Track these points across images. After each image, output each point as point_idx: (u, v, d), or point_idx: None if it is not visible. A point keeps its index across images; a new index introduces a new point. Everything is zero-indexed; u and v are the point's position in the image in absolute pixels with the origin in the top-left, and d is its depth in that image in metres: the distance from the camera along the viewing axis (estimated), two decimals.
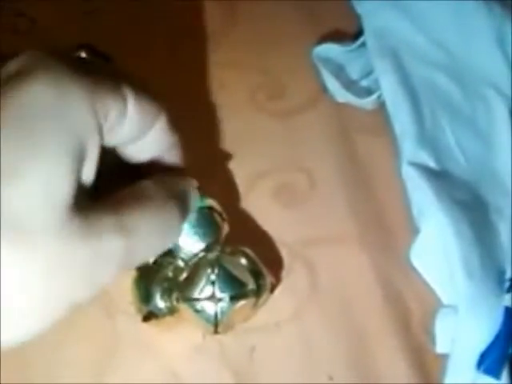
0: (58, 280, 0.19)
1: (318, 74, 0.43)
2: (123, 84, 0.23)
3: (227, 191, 0.39)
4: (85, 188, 0.20)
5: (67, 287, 0.20)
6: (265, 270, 0.32)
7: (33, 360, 0.33)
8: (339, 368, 0.33)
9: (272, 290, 0.32)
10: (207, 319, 0.30)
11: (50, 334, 0.33)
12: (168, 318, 0.32)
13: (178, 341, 0.33)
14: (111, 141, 0.23)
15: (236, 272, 0.31)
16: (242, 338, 0.33)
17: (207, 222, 0.31)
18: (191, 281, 0.30)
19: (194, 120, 0.39)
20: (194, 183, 0.28)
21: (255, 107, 0.43)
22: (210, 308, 0.30)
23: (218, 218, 0.32)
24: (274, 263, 0.36)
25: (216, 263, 0.30)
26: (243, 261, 0.31)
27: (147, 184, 0.24)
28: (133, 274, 0.33)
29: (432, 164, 0.37)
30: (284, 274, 0.36)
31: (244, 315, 0.31)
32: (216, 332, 0.30)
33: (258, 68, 0.45)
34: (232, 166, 0.40)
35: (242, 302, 0.30)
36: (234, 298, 0.30)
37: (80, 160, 0.20)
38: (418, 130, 0.38)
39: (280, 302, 0.34)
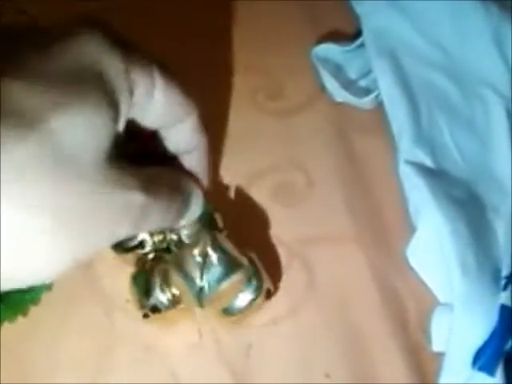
0: (87, 219, 0.20)
1: (316, 74, 0.43)
2: (155, 67, 0.23)
3: (226, 190, 0.39)
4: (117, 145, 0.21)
5: (91, 229, 0.20)
6: (265, 275, 0.32)
7: (32, 359, 0.33)
8: (336, 366, 0.33)
9: (269, 296, 0.32)
10: (193, 289, 0.30)
11: (48, 332, 0.34)
12: (170, 313, 0.32)
13: (176, 338, 0.34)
14: (139, 118, 0.24)
15: (230, 249, 0.31)
16: (239, 335, 0.34)
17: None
18: (187, 251, 0.31)
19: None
20: (201, 191, 0.28)
21: (255, 107, 0.43)
22: (199, 279, 0.30)
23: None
24: (272, 261, 0.36)
25: (212, 239, 0.31)
26: (245, 262, 0.32)
27: (163, 171, 0.25)
28: (130, 271, 0.33)
29: (429, 163, 0.37)
30: (282, 272, 0.36)
31: (232, 295, 0.31)
32: (201, 305, 0.31)
33: (257, 68, 0.45)
34: (231, 164, 0.40)
35: (233, 278, 0.30)
36: (226, 272, 0.30)
37: (116, 112, 0.21)
38: (415, 129, 0.38)
39: (277, 299, 0.35)
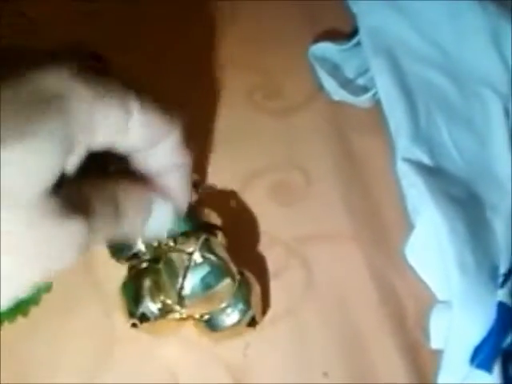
0: (35, 245, 0.20)
1: (314, 73, 0.43)
2: (131, 97, 0.23)
3: (223, 189, 0.39)
4: (65, 176, 0.21)
5: (41, 254, 0.20)
6: (255, 302, 0.32)
7: (32, 359, 0.33)
8: (334, 365, 0.33)
9: (252, 324, 0.32)
10: (175, 286, 0.30)
11: (48, 332, 0.34)
12: (159, 323, 0.32)
13: (173, 338, 0.34)
14: (114, 146, 0.23)
15: (222, 255, 0.31)
16: None
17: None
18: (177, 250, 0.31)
19: (191, 118, 0.39)
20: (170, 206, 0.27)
21: (252, 106, 0.43)
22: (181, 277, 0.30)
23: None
24: (270, 261, 0.36)
25: (204, 240, 0.31)
26: (235, 273, 0.32)
27: (120, 188, 0.24)
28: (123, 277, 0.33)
29: (427, 161, 0.37)
30: (279, 271, 0.36)
31: (216, 303, 0.31)
32: (181, 305, 0.31)
33: (255, 67, 0.45)
34: (228, 164, 0.40)
35: (219, 283, 0.30)
36: (212, 276, 0.30)
37: (69, 148, 0.21)
38: (413, 128, 0.38)
39: (275, 298, 0.35)
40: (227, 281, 0.31)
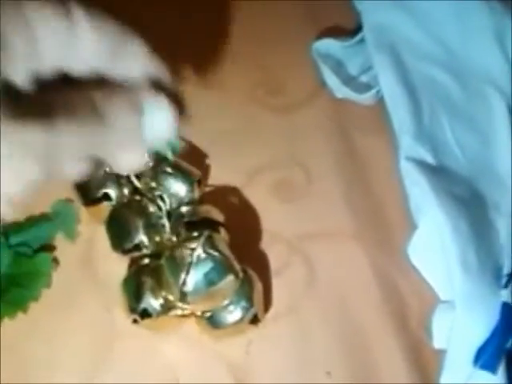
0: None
1: (317, 70, 0.43)
2: (71, 5, 0.21)
3: (226, 186, 0.39)
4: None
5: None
6: (257, 300, 0.32)
7: (32, 357, 0.33)
8: (337, 364, 0.33)
9: (254, 322, 0.32)
10: (177, 282, 0.30)
11: (48, 329, 0.34)
12: (160, 319, 0.32)
13: (174, 335, 0.33)
14: (70, 64, 0.21)
15: (225, 252, 0.31)
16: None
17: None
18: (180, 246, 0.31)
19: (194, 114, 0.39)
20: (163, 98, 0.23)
21: (255, 102, 0.43)
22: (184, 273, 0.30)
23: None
24: (271, 258, 0.36)
25: (207, 237, 0.31)
26: (238, 270, 0.31)
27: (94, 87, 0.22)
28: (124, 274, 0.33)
29: (430, 159, 0.37)
30: (281, 268, 0.36)
31: (218, 301, 0.31)
32: (184, 301, 0.30)
33: (258, 64, 0.45)
34: (231, 160, 0.40)
35: (222, 280, 0.30)
36: (215, 272, 0.30)
37: (8, 59, 0.19)
38: (416, 126, 0.38)
39: (277, 296, 0.35)
40: (230, 277, 0.30)
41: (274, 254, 0.36)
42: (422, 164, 0.36)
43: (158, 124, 0.23)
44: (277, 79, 0.44)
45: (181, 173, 0.35)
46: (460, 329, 0.31)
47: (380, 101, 0.41)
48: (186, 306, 0.31)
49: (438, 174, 0.36)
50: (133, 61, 0.23)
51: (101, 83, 0.23)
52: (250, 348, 0.33)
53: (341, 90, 0.41)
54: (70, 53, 0.21)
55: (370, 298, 0.34)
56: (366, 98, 0.41)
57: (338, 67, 0.43)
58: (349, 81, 0.42)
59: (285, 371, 0.32)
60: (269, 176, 0.39)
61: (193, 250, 0.30)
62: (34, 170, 0.19)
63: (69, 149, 0.20)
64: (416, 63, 0.41)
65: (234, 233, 0.34)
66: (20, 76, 0.20)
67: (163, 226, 0.35)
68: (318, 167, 0.39)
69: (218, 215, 0.35)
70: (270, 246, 0.36)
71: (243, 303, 0.31)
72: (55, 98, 0.20)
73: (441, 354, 0.32)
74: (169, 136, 0.23)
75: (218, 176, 0.39)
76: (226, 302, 0.31)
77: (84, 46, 0.21)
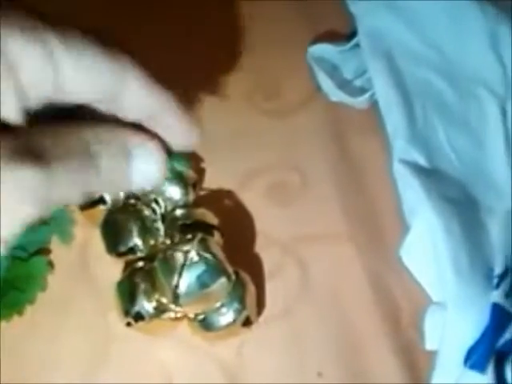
0: None
1: (312, 74, 0.44)
2: (50, 32, 0.20)
3: (220, 189, 0.39)
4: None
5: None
6: (250, 302, 0.32)
7: (30, 359, 0.33)
8: (329, 365, 0.33)
9: (247, 324, 0.32)
10: (170, 284, 0.30)
11: (45, 332, 0.34)
12: (154, 323, 0.32)
13: (168, 338, 0.34)
14: (56, 96, 0.20)
15: (218, 255, 0.31)
16: None
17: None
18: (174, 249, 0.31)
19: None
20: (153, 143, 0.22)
21: (251, 107, 0.43)
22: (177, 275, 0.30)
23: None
24: (265, 260, 0.36)
25: (200, 239, 0.31)
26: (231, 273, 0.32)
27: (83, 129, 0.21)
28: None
29: (423, 162, 0.37)
30: (275, 270, 0.36)
31: (211, 303, 0.31)
32: (176, 303, 0.30)
33: (253, 68, 0.45)
34: (225, 163, 0.40)
35: (214, 283, 0.30)
36: (207, 275, 0.30)
37: None
38: (410, 129, 0.38)
39: (271, 298, 0.35)
40: (223, 280, 0.31)
41: (268, 257, 0.36)
42: (415, 167, 0.36)
43: (146, 169, 0.22)
44: (273, 83, 0.44)
45: (176, 177, 0.36)
46: (451, 329, 0.32)
47: (374, 104, 0.41)
48: (178, 309, 0.31)
49: (432, 176, 0.36)
50: (127, 96, 0.22)
51: (92, 118, 0.22)
52: (242, 350, 0.33)
53: (335, 94, 0.42)
54: (51, 77, 0.20)
55: (363, 299, 0.35)
56: (361, 102, 0.41)
57: (333, 71, 0.43)
58: (343, 85, 0.42)
59: (277, 372, 0.33)
60: (264, 179, 0.40)
61: (186, 252, 0.31)
62: (29, 210, 0.19)
63: (64, 188, 0.20)
64: (410, 67, 0.41)
65: (229, 236, 0.34)
66: (11, 111, 0.19)
67: (158, 229, 0.35)
68: (312, 170, 0.40)
69: (212, 218, 0.35)
70: (264, 249, 0.37)
71: (236, 305, 0.32)
72: (47, 135, 0.20)
73: (432, 354, 0.33)
74: (157, 181, 0.22)
75: (213, 179, 0.39)
76: (218, 304, 0.31)
77: (69, 80, 0.21)
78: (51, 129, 0.20)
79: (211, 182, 0.39)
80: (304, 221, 0.38)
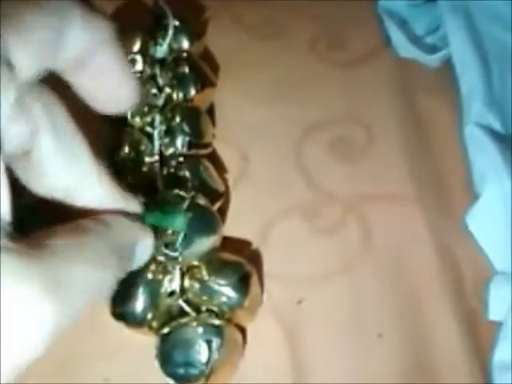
0: None
1: (381, 27, 0.42)
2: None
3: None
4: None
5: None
6: (253, 289, 0.30)
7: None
8: (389, 326, 0.32)
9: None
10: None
11: None
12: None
13: None
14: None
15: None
16: (290, 288, 0.33)
17: None
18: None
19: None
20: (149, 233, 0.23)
21: (314, 56, 0.42)
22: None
23: None
24: (326, 216, 0.35)
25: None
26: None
27: (86, 225, 0.19)
28: None
29: (498, 128, 0.36)
30: (335, 227, 0.35)
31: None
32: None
33: (318, 16, 0.43)
34: (286, 113, 0.39)
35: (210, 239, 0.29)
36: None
37: None
38: (487, 92, 0.36)
39: (331, 254, 0.34)
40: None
41: (329, 213, 0.35)
42: (491, 131, 0.35)
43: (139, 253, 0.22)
44: (338, 34, 0.42)
45: None
46: None
47: (445, 64, 0.40)
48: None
49: (506, 143, 0.35)
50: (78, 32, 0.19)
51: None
52: (301, 306, 0.32)
53: (407, 49, 0.40)
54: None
55: (426, 263, 0.34)
56: (433, 60, 0.39)
57: (403, 26, 0.41)
58: (414, 40, 0.40)
59: (336, 329, 0.32)
60: (326, 132, 0.38)
61: None
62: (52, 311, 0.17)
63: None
64: (489, 27, 0.39)
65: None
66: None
67: None
68: (378, 127, 0.38)
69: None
70: (324, 205, 0.36)
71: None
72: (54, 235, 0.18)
73: (495, 325, 0.32)
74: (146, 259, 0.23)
75: (275, 128, 0.38)
76: None
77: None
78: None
79: (273, 130, 0.38)
80: (368, 179, 0.36)
